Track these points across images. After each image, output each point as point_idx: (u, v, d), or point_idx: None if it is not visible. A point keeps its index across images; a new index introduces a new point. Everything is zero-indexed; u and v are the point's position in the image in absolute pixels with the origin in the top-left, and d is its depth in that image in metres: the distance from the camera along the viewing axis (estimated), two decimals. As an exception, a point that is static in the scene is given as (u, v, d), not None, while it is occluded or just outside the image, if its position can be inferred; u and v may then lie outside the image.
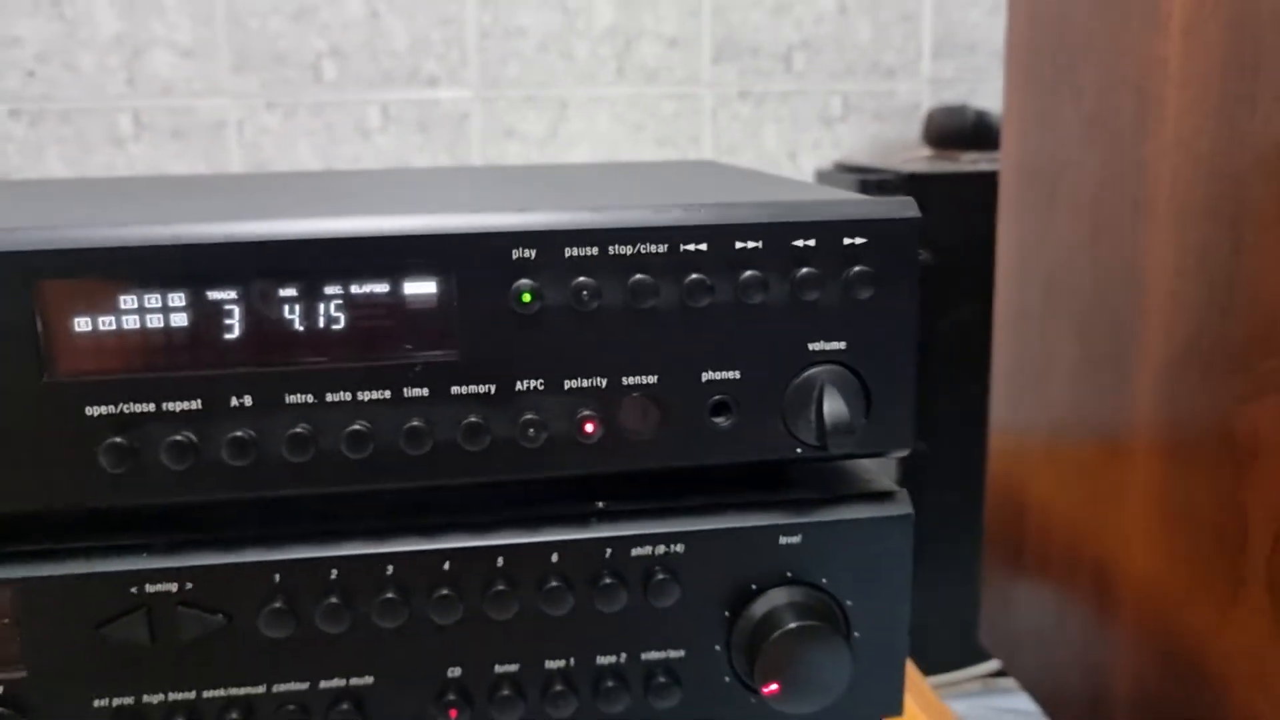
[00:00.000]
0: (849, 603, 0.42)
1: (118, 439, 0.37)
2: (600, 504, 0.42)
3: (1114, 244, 0.63)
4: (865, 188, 1.13)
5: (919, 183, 1.14)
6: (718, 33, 1.25)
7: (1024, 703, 1.25)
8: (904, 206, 0.41)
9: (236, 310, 0.38)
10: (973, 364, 1.10)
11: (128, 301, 0.37)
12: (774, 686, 0.41)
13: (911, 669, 0.61)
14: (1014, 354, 0.78)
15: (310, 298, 0.38)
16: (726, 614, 0.42)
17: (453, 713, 0.41)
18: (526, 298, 0.38)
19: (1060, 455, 0.72)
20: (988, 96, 1.31)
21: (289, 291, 0.38)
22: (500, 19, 1.21)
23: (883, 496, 0.43)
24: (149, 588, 0.39)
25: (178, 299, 0.37)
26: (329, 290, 0.38)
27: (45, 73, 1.16)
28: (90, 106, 1.17)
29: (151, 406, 0.37)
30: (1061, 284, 0.69)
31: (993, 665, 1.27)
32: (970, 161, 1.20)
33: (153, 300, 0.37)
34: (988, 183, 1.08)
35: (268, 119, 1.19)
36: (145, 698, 0.40)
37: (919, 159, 1.25)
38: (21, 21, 1.14)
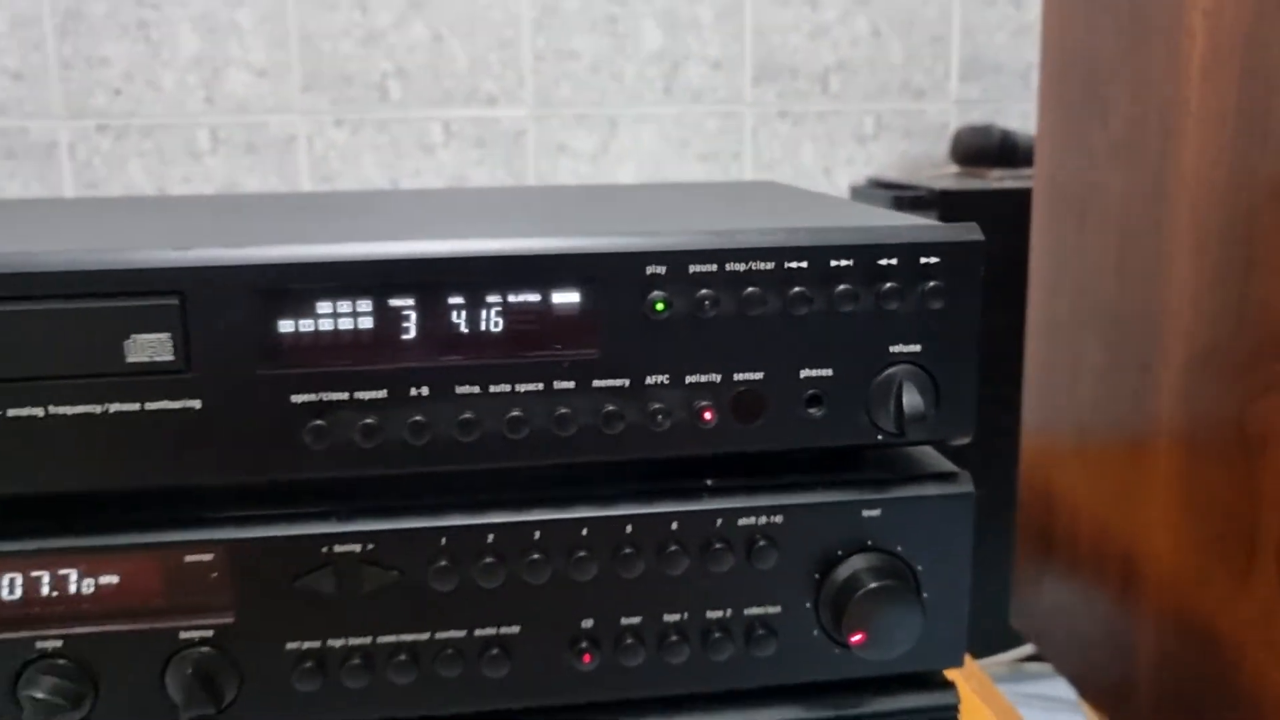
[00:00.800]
0: (920, 568, 0.50)
1: (319, 421, 0.44)
2: (709, 482, 0.49)
3: (1139, 260, 0.71)
4: (899, 204, 1.20)
5: (949, 199, 1.21)
6: (759, 55, 1.32)
7: (1050, 688, 1.33)
8: (970, 231, 0.48)
9: (414, 315, 0.45)
10: (1003, 369, 1.17)
11: (325, 308, 0.45)
12: (859, 637, 0.48)
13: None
14: (1045, 359, 0.85)
15: (474, 305, 0.45)
16: (816, 576, 0.49)
17: (586, 658, 0.48)
18: (660, 306, 0.45)
19: (1088, 451, 0.79)
20: (1012, 117, 1.38)
21: (457, 300, 0.45)
22: (554, 42, 1.29)
23: (949, 477, 0.50)
24: (336, 548, 0.46)
25: (366, 306, 0.45)
26: (490, 299, 0.45)
27: (130, 91, 1.24)
28: (170, 123, 1.25)
29: (346, 395, 0.45)
30: (1090, 295, 0.76)
31: (1020, 651, 1.34)
32: (996, 179, 1.28)
33: (346, 307, 0.45)
34: (1013, 199, 1.16)
35: (335, 135, 1.27)
36: (329, 642, 0.47)
37: (947, 175, 1.33)
38: (110, 44, 1.22)
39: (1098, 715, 0.85)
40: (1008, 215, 1.04)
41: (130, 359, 0.43)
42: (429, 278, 0.45)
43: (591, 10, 1.29)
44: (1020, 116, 1.38)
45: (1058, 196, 0.82)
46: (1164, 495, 0.70)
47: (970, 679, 0.73)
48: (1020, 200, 0.92)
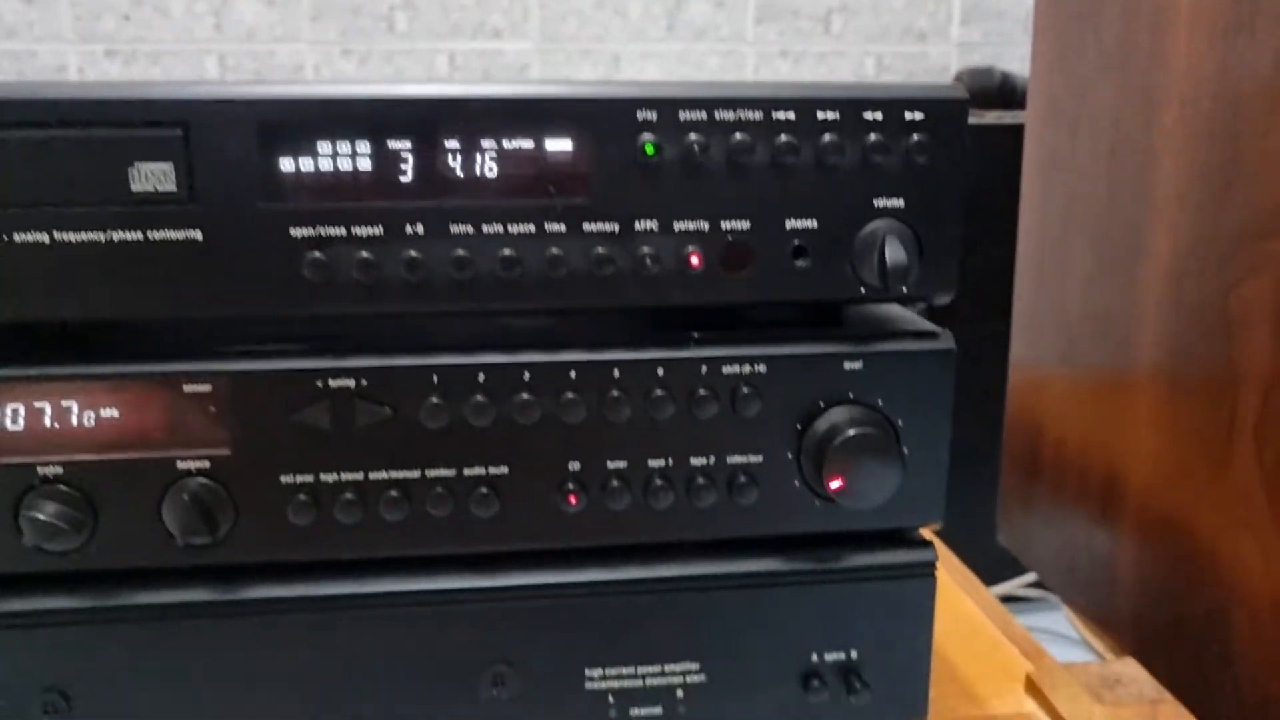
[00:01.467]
0: (900, 422, 0.51)
1: (317, 254, 0.46)
2: (696, 335, 0.50)
3: (1128, 162, 0.72)
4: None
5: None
6: (762, -6, 1.33)
7: (1035, 619, 1.34)
8: (954, 90, 0.49)
9: (411, 157, 0.46)
10: (994, 303, 1.18)
11: (325, 147, 0.46)
12: (838, 483, 0.49)
13: (968, 571, 0.69)
14: (1034, 272, 0.86)
15: (470, 149, 0.47)
16: (798, 427, 0.51)
17: (572, 499, 0.50)
18: (649, 149, 0.46)
19: (1074, 361, 0.80)
20: (1013, 60, 1.39)
21: (453, 143, 0.46)
22: (559, -23, 1.30)
23: (930, 335, 0.52)
24: (332, 382, 0.47)
25: (365, 147, 0.46)
26: (485, 143, 0.47)
27: (139, 16, 1.25)
28: (179, 49, 1.26)
29: (343, 231, 0.46)
30: (1080, 202, 0.77)
31: (1008, 587, 1.36)
32: (995, 119, 1.29)
33: (345, 147, 0.46)
34: (1012, 136, 1.16)
35: (343, 64, 1.28)
36: (323, 476, 0.48)
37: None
38: (118, -32, 1.23)
39: (1082, 622, 0.86)
40: (1006, 153, 1.04)
41: (135, 188, 0.45)
42: (426, 120, 0.46)
43: (597, -55, 1.30)
44: (1020, 60, 1.39)
45: (1051, 110, 0.82)
46: (1148, 395, 0.71)
47: (953, 572, 0.74)
48: (1018, 138, 0.93)
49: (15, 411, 0.47)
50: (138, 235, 0.45)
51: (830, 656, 0.54)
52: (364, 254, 0.46)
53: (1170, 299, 0.67)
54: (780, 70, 1.35)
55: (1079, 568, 0.81)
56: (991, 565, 1.24)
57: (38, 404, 0.47)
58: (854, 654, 0.54)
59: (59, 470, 0.47)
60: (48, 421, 0.47)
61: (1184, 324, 0.66)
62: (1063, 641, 1.28)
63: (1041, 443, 0.87)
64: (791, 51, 1.34)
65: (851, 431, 0.49)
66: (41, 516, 0.46)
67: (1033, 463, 0.89)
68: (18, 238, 0.45)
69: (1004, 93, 1.31)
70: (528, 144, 0.47)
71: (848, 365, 0.50)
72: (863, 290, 0.50)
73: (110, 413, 0.47)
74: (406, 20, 1.27)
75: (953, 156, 0.49)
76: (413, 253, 0.46)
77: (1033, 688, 0.58)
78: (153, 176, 0.45)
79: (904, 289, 0.50)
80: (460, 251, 0.46)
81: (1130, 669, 0.58)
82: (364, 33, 1.27)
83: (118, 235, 0.45)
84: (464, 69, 1.30)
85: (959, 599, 0.71)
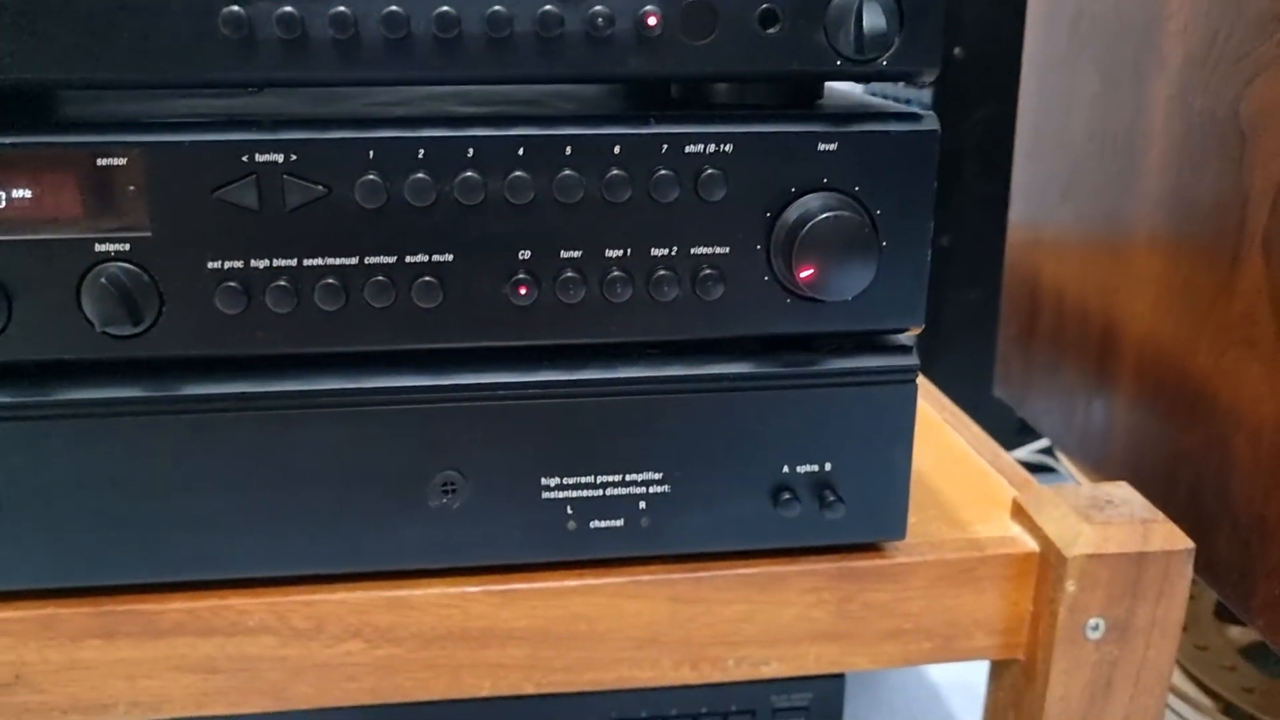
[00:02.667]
0: (878, 212, 0.47)
1: (234, 9, 0.42)
2: (653, 115, 0.46)
3: (1139, -30, 0.67)
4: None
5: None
6: None
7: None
8: None
9: (338, -96, 0.42)
10: (994, 162, 1.14)
11: (242, -110, 0.41)
12: (809, 272, 0.46)
13: (957, 409, 0.66)
14: (1038, 100, 0.81)
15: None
16: (768, 215, 0.47)
17: (521, 289, 0.46)
18: (600, -110, 0.42)
19: (1078, 189, 0.76)
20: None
21: (385, -111, 0.42)
22: None
23: (911, 116, 0.47)
24: (259, 157, 0.44)
25: (286, -110, 0.42)
26: (420, -111, 0.42)
27: None
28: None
29: (264, -16, 0.42)
30: (1087, 17, 0.72)
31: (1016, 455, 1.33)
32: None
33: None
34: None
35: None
36: (253, 262, 0.45)
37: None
38: None
39: (1079, 470, 0.83)
40: (1013, 2, 0.99)
41: (30, -71, 0.40)
42: None
43: None
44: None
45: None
46: (1153, 220, 0.67)
47: (942, 410, 0.71)
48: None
49: (-81, 190, 0.43)
50: (39, -14, 0.41)
51: (802, 468, 0.50)
52: (285, 8, 0.42)
53: (1180, 111, 0.63)
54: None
55: (1076, 414, 0.78)
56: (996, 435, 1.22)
57: (-58, 182, 0.44)
58: (828, 466, 0.51)
59: (-34, 251, 0.44)
60: (-46, 201, 0.44)
61: (1193, 136, 0.62)
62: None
63: (1040, 290, 0.83)
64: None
65: (825, 215, 0.45)
66: (-53, 299, 0.43)
67: (1031, 313, 0.85)
68: (-94, -13, 0.41)
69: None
70: (468, -108, 0.42)
71: (822, 147, 0.46)
72: (838, 63, 0.45)
73: (22, 192, 0.44)
74: None
75: (938, -90, 0.45)
76: (340, 8, 0.42)
77: (1019, 512, 0.55)
78: (51, -82, 0.40)
79: (883, 62, 0.45)
80: (393, 8, 0.42)
81: (1122, 491, 0.55)
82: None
83: (17, -14, 0.41)
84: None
85: (947, 434, 0.68)
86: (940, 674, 0.91)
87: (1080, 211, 0.76)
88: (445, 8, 0.42)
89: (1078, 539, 0.51)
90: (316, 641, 0.51)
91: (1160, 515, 0.53)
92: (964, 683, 0.90)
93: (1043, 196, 0.82)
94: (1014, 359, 0.88)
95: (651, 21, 0.44)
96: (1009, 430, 1.16)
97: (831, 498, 0.50)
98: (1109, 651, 0.53)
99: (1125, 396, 0.71)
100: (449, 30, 0.43)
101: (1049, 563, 0.52)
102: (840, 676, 0.64)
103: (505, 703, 0.62)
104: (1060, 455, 0.85)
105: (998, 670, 0.58)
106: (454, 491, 0.49)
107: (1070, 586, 0.51)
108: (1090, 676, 0.53)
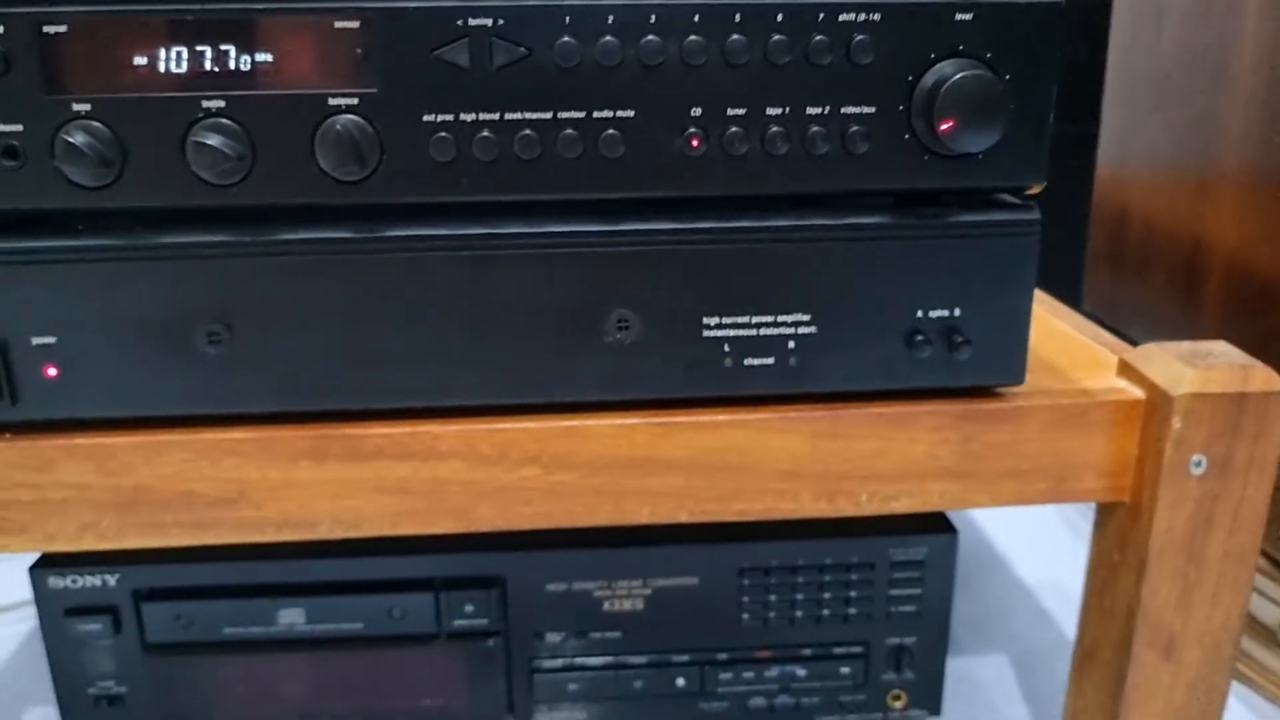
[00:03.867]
0: (1007, 76, 0.53)
1: (459, -112, 0.48)
2: (812, -12, 0.52)
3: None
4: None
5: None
6: None
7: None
8: None
9: None
10: (1081, 102, 1.18)
11: None
12: (949, 124, 0.52)
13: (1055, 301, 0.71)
14: (1130, 20, 0.86)
15: None
16: (909, 78, 0.53)
17: (694, 141, 0.52)
18: None
19: (1169, 101, 0.81)
20: None
21: None
22: None
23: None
24: (471, 21, 0.50)
25: None
26: None
27: None
28: None
29: None
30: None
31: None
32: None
33: None
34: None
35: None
36: (462, 116, 0.51)
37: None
38: None
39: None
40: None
41: None
42: None
43: None
44: None
45: None
46: (1244, 117, 0.72)
47: (1041, 302, 0.76)
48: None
49: (179, 54, 0.50)
50: None
51: (934, 313, 0.56)
52: (501, -111, 0.48)
53: (1272, 12, 0.68)
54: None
55: (1165, 315, 0.83)
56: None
57: (199, 46, 0.51)
58: (957, 312, 0.56)
59: (221, 104, 0.51)
60: (208, 65, 0.51)
61: (1284, 34, 0.67)
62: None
63: (1129, 205, 0.88)
64: None
65: (963, 74, 0.51)
66: (209, 141, 0.50)
67: (1119, 228, 0.90)
68: None
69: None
70: None
71: (958, 16, 0.52)
72: (977, -64, 0.51)
73: (265, 56, 0.51)
74: None
75: None
76: (548, -111, 0.49)
77: (1125, 367, 0.61)
78: None
79: (1016, -63, 0.51)
80: (593, -112, 0.49)
81: (1220, 345, 0.60)
82: None
83: None
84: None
85: (1048, 319, 0.74)
86: (1031, 573, 0.97)
87: (1169, 126, 0.81)
88: (637, -113, 0.49)
89: (1182, 380, 0.57)
90: (499, 467, 0.57)
91: (1258, 362, 0.58)
92: (1052, 581, 0.96)
93: (1132, 117, 0.87)
94: (1103, 276, 0.93)
95: (815, -100, 0.50)
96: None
97: (960, 340, 0.56)
98: (1210, 487, 0.58)
99: (1215, 291, 0.76)
100: (640, -93, 0.49)
101: (1155, 405, 0.58)
102: (953, 533, 0.70)
103: (648, 550, 0.68)
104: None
105: (1104, 515, 0.63)
106: (627, 328, 0.55)
107: (1176, 424, 0.57)
108: (1193, 511, 0.58)
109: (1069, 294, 1.04)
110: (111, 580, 0.66)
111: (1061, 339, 0.70)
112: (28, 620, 0.89)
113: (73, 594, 0.67)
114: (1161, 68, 0.81)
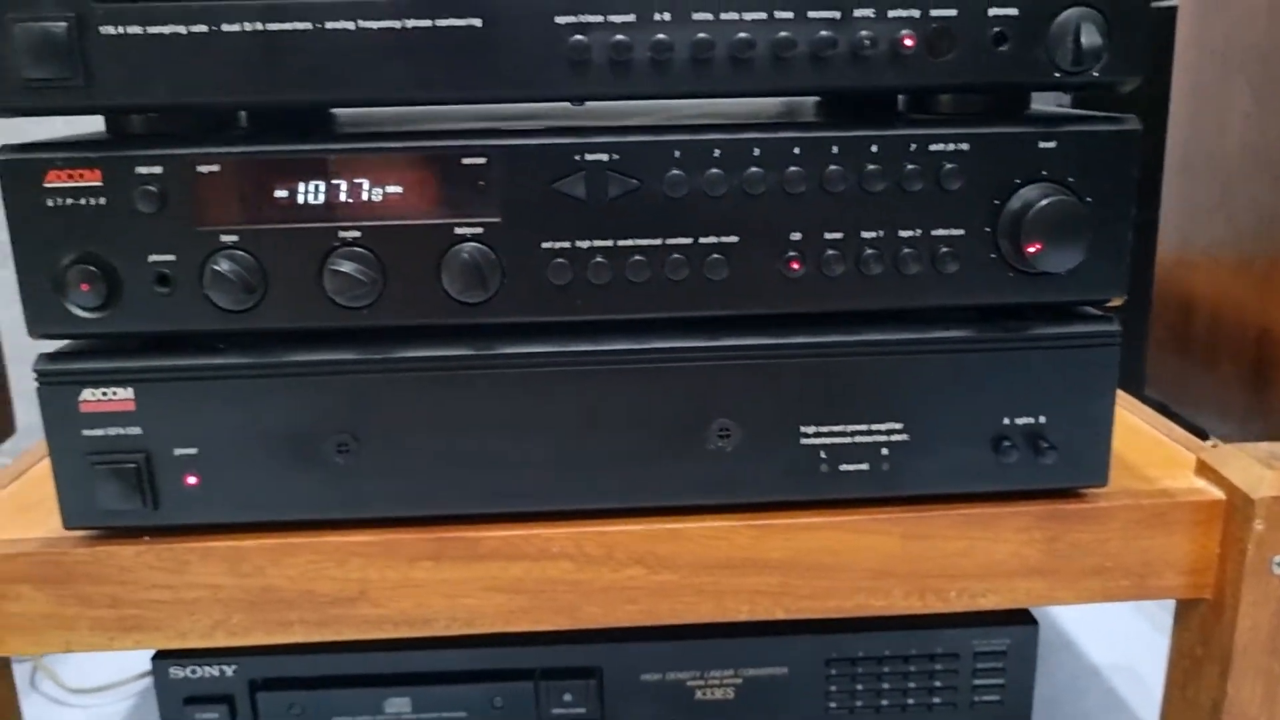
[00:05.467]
0: (1088, 199, 0.56)
1: (579, 38, 0.52)
2: (901, 120, 0.56)
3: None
4: None
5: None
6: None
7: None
8: (1145, -105, 0.54)
9: (656, -46, 0.53)
10: (1142, 195, 1.21)
11: (583, -55, 0.52)
12: (1036, 246, 0.55)
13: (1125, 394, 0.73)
14: (1190, 115, 0.89)
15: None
16: (995, 202, 0.56)
17: (794, 264, 0.56)
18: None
19: (1232, 198, 0.84)
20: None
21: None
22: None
23: (1116, 119, 0.56)
24: (588, 156, 0.54)
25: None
26: (721, -59, 0.53)
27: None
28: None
29: (600, 18, 0.53)
30: (1239, 39, 0.81)
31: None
32: None
33: (600, -55, 0.53)
34: (1163, 19, 1.18)
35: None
36: (578, 243, 0.55)
37: None
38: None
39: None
40: (1159, 38, 1.06)
41: (426, -21, 0.52)
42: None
43: None
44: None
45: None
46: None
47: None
48: (1171, 21, 0.95)
49: (317, 187, 0.55)
50: (426, 22, 0.52)
51: (1020, 420, 0.59)
52: (618, 37, 0.53)
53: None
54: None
55: (1233, 405, 0.85)
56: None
57: (335, 181, 0.55)
58: (1042, 419, 0.59)
59: (357, 234, 0.55)
60: (343, 196, 0.55)
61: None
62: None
63: (1193, 297, 0.90)
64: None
65: (1047, 201, 0.55)
66: (344, 269, 0.54)
67: (1183, 319, 0.92)
68: (328, 25, 0.52)
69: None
70: (760, -58, 0.53)
71: (1042, 144, 0.56)
72: (1055, 75, 0.55)
73: (396, 190, 0.55)
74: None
75: (1140, -52, 0.54)
76: (660, 36, 0.53)
77: (1204, 467, 0.63)
78: (442, -30, 0.52)
79: (1094, 73, 0.55)
80: (701, 35, 0.53)
81: (1297, 448, 0.63)
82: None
83: (410, 23, 0.52)
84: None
85: (1122, 415, 0.76)
86: (1101, 655, 0.98)
87: (1234, 221, 0.83)
88: (743, 34, 0.53)
89: (1262, 483, 0.59)
90: (605, 567, 0.60)
91: (1334, 466, 0.60)
92: (1122, 664, 0.97)
93: (1194, 210, 0.90)
94: (1166, 362, 0.95)
95: (908, 43, 0.54)
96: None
97: (1045, 446, 0.59)
98: (1291, 586, 0.60)
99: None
100: (744, 51, 0.53)
101: (1235, 506, 0.60)
102: (1034, 625, 0.72)
103: (740, 641, 0.71)
104: (1216, 442, 0.92)
105: (1184, 611, 0.65)
106: (728, 436, 0.58)
107: (1258, 525, 0.59)
108: (1276, 609, 0.60)
109: (1132, 378, 1.07)
110: (229, 671, 0.70)
111: (1132, 433, 0.72)
112: (126, 700, 0.92)
113: (192, 684, 0.70)
114: (1225, 162, 0.84)
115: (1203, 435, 1.06)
